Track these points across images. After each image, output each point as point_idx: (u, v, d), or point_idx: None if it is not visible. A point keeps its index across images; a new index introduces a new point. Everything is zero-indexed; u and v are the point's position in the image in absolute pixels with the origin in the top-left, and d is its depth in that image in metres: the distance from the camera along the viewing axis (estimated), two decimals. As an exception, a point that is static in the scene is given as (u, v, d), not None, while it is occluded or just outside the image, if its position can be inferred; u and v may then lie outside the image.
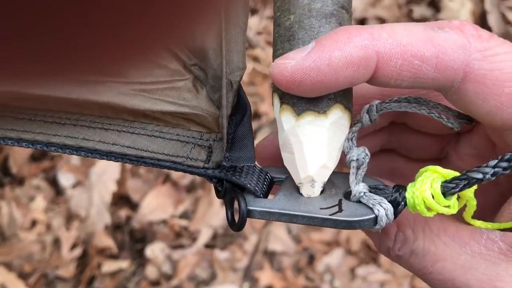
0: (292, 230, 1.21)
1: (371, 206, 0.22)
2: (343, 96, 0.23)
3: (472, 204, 0.23)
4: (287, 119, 0.23)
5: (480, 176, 0.21)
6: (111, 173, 1.23)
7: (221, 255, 1.17)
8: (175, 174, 1.23)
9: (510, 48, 0.21)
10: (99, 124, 0.24)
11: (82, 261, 1.16)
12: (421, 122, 0.28)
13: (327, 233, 1.20)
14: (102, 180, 1.22)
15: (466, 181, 0.21)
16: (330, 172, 0.24)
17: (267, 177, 0.24)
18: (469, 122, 0.25)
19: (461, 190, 0.21)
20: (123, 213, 1.21)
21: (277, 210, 0.23)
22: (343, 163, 0.25)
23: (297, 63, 0.21)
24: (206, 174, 0.23)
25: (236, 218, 0.23)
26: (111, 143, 0.23)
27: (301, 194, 0.24)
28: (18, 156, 1.25)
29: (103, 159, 0.23)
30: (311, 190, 0.24)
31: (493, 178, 0.21)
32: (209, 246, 1.20)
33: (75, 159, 1.26)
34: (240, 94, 0.24)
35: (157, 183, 1.26)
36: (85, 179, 1.23)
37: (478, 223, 0.24)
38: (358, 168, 0.23)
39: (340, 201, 0.23)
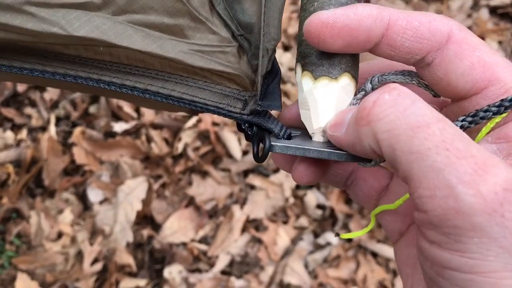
0: (310, 265, 1.23)
1: None
2: (351, 67, 0.29)
3: None
4: (306, 82, 0.29)
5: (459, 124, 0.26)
6: (138, 192, 1.27)
7: (236, 283, 1.18)
8: (198, 199, 1.27)
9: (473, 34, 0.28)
10: (161, 76, 0.29)
11: (102, 276, 1.18)
12: None
13: (344, 271, 1.21)
14: (128, 199, 1.26)
15: None
16: None
17: (287, 130, 0.30)
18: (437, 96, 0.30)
19: None
20: (145, 232, 1.23)
21: (294, 145, 0.28)
22: None
23: (330, 11, 0.27)
24: (242, 118, 0.29)
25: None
26: (170, 89, 0.29)
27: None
28: (51, 169, 1.30)
29: (163, 101, 0.29)
30: (321, 138, 0.29)
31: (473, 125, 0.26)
32: (226, 273, 1.21)
33: (105, 176, 1.31)
34: (273, 62, 0.29)
35: (181, 206, 1.29)
36: (112, 197, 1.27)
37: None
38: None
39: None
